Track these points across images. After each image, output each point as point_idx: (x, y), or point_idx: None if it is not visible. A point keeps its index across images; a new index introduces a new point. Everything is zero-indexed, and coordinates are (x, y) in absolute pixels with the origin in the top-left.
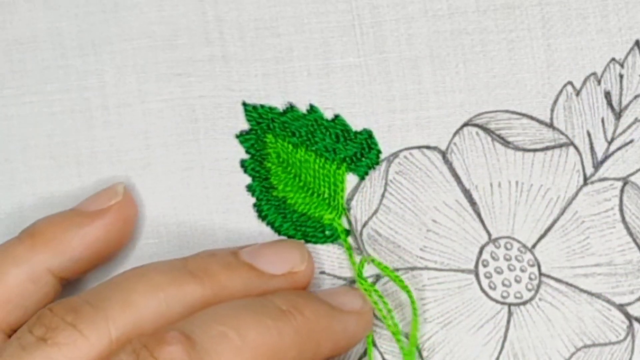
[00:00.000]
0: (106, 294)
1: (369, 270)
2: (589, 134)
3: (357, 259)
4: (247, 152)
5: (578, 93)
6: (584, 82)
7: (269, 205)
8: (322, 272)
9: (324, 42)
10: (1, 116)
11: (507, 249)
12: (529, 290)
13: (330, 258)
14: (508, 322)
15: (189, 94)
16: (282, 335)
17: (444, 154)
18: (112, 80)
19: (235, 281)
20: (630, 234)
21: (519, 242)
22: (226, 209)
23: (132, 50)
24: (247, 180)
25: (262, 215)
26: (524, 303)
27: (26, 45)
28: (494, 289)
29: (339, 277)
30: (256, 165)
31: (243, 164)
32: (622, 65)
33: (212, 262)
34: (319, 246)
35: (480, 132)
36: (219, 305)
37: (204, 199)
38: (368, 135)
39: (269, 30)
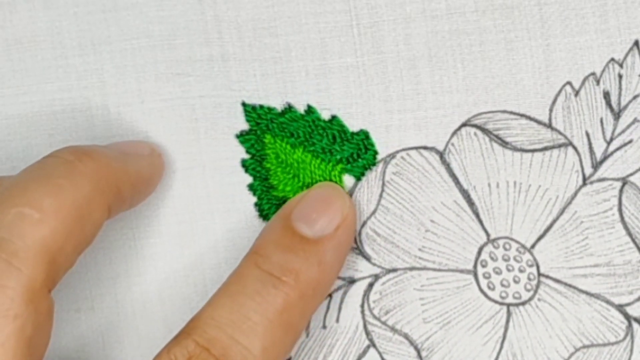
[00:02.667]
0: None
1: (366, 271)
2: (587, 134)
3: (355, 258)
4: (247, 152)
5: (577, 93)
6: (583, 82)
7: (270, 204)
8: None
9: (321, 42)
10: (2, 115)
11: (505, 249)
12: (528, 290)
13: None
14: (507, 322)
15: (189, 93)
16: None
17: (441, 155)
18: (112, 79)
19: (307, 265)
20: (630, 234)
21: (517, 242)
22: (227, 208)
23: (131, 50)
24: (248, 179)
25: (263, 215)
26: (523, 303)
27: (26, 45)
28: (493, 289)
29: (338, 277)
30: (257, 165)
31: (244, 163)
32: (621, 66)
33: (288, 257)
34: None
35: (479, 133)
36: None
37: (205, 198)
38: (365, 135)
39: (267, 31)
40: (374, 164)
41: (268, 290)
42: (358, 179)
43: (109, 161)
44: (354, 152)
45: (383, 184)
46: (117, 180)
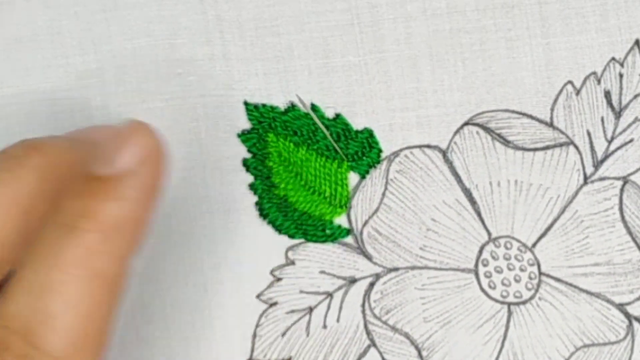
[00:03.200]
0: None
1: (367, 270)
2: (588, 133)
3: (357, 257)
4: (249, 151)
5: (578, 92)
6: (584, 82)
7: (271, 203)
8: (322, 272)
9: (323, 41)
10: (2, 115)
11: (506, 248)
12: (529, 289)
13: (331, 257)
14: (508, 321)
15: (190, 93)
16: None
17: (444, 153)
18: (113, 79)
19: (109, 205)
20: (630, 233)
21: (518, 241)
22: (227, 208)
23: (132, 50)
24: (249, 179)
25: (263, 214)
26: (524, 302)
27: (26, 44)
28: (494, 288)
29: (339, 277)
30: (258, 164)
31: (245, 162)
32: (622, 65)
33: (86, 201)
34: (319, 245)
35: (481, 132)
36: None
37: (205, 197)
38: (369, 134)
39: (269, 30)
40: (378, 162)
41: (66, 242)
42: (363, 177)
43: (61, 152)
44: (359, 150)
45: (386, 182)
46: (68, 171)
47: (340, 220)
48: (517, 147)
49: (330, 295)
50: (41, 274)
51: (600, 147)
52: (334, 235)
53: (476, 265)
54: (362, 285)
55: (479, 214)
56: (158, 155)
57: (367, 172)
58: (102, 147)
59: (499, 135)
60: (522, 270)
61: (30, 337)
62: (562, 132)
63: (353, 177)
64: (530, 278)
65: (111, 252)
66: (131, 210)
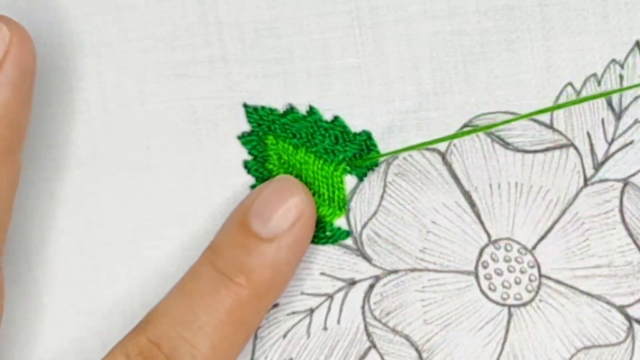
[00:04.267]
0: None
1: (366, 272)
2: (589, 135)
3: (356, 259)
4: (249, 153)
5: (578, 94)
6: (584, 83)
7: None
8: (322, 273)
9: (323, 43)
10: None
11: (507, 250)
12: (529, 291)
13: (331, 259)
14: (508, 323)
15: (190, 95)
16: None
17: (443, 156)
18: (112, 81)
19: (260, 264)
20: (631, 235)
21: (518, 243)
22: (228, 210)
23: (132, 52)
24: (250, 181)
25: None
26: (524, 304)
27: None
28: (494, 290)
29: (339, 279)
30: (259, 167)
31: (246, 165)
32: (622, 66)
33: (241, 256)
34: (319, 247)
35: (480, 134)
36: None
37: (206, 200)
38: (367, 136)
39: (269, 32)
40: (377, 165)
41: (219, 290)
42: (361, 179)
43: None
44: (357, 152)
45: (385, 185)
46: (5, 125)
47: (340, 222)
48: (517, 149)
49: (330, 297)
50: (193, 310)
51: (601, 149)
52: (334, 236)
53: (476, 267)
54: (362, 287)
55: (478, 217)
56: (309, 215)
57: (365, 174)
58: (260, 203)
59: (498, 137)
60: (522, 272)
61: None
62: (562, 134)
63: (351, 180)
64: (530, 280)
65: (256, 307)
66: (281, 272)
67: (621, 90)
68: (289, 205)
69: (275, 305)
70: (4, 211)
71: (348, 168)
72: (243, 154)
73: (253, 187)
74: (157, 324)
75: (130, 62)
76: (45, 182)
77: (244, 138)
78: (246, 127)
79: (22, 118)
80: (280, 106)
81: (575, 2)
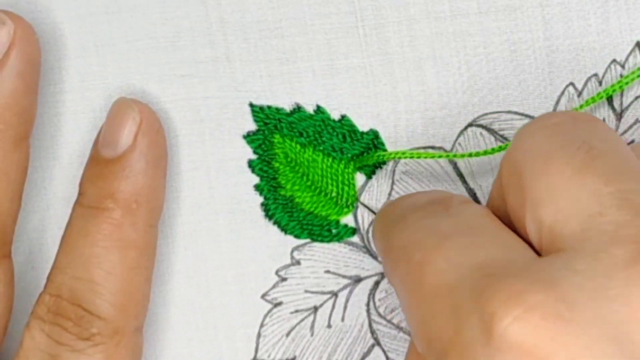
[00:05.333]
0: None
1: (372, 269)
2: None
3: (363, 257)
4: (254, 152)
5: (579, 94)
6: (585, 83)
7: (276, 204)
8: (327, 271)
9: (327, 43)
10: None
11: None
12: None
13: (336, 257)
14: None
15: (193, 95)
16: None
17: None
18: (115, 81)
19: (118, 183)
20: None
21: None
22: (232, 209)
23: (134, 52)
24: (254, 180)
25: (269, 215)
26: None
27: None
28: None
29: (344, 276)
30: (264, 165)
31: (250, 164)
32: (623, 67)
33: (102, 185)
34: (325, 244)
35: (484, 133)
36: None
37: (210, 199)
38: (375, 135)
39: (273, 32)
40: (384, 163)
41: (91, 222)
42: (369, 177)
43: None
44: (365, 151)
45: (393, 183)
46: (13, 113)
47: (346, 220)
48: None
49: (335, 294)
50: (78, 251)
51: None
52: (339, 235)
53: None
54: (367, 285)
55: None
56: (152, 124)
57: (374, 172)
58: (104, 133)
59: (502, 136)
60: None
61: (79, 302)
62: None
63: (360, 178)
64: None
65: (135, 223)
66: (141, 182)
67: (620, 85)
68: (128, 122)
69: (279, 304)
70: (15, 199)
71: (358, 165)
72: (248, 153)
73: (257, 186)
74: (52, 279)
75: (134, 62)
76: (47, 182)
77: (249, 137)
78: (251, 126)
79: (30, 107)
80: (285, 105)
81: (576, 2)
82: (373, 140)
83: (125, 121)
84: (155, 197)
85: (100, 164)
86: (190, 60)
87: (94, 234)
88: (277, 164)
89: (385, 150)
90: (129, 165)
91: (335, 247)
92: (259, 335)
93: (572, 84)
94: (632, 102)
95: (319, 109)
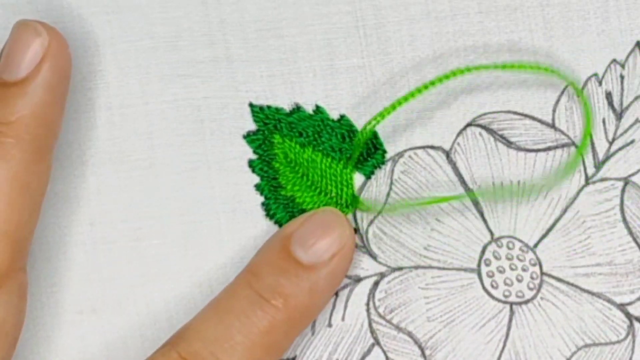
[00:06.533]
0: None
1: (371, 269)
2: (590, 135)
3: (362, 257)
4: (254, 152)
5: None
6: (585, 83)
7: (277, 204)
8: None
9: (327, 43)
10: None
11: (509, 248)
12: (531, 289)
13: None
14: (510, 320)
15: (193, 94)
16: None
17: (447, 154)
18: (115, 81)
19: (298, 290)
20: (631, 233)
21: (520, 241)
22: (233, 208)
23: (135, 51)
24: (255, 179)
25: (270, 214)
26: (526, 302)
27: None
28: (496, 287)
29: (345, 275)
30: (264, 165)
31: (251, 164)
32: (623, 66)
33: (280, 279)
34: None
35: (483, 133)
36: (205, 319)
37: (210, 199)
38: (373, 135)
39: (272, 32)
40: (383, 163)
41: (255, 311)
42: (368, 177)
43: (24, 112)
44: (364, 151)
45: (391, 183)
46: (39, 125)
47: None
48: (519, 148)
49: (335, 294)
50: (227, 330)
51: (602, 148)
52: None
53: (479, 265)
54: (366, 284)
55: (481, 214)
56: (350, 250)
57: (372, 172)
58: (304, 230)
59: (501, 136)
60: (524, 270)
61: None
62: (564, 133)
63: (358, 178)
64: (532, 278)
65: (289, 332)
66: (317, 301)
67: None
68: (332, 237)
69: None
70: (34, 212)
71: (356, 166)
72: (248, 153)
73: (257, 186)
74: (190, 341)
75: (134, 62)
76: (49, 182)
77: (249, 137)
78: (251, 126)
79: (56, 120)
80: (285, 106)
81: (576, 2)
82: (372, 140)
83: (330, 234)
84: (316, 316)
85: (288, 259)
86: (190, 60)
87: (251, 324)
88: (277, 164)
89: (384, 150)
90: (317, 280)
91: None
92: None
93: (572, 83)
94: (632, 102)
95: (318, 109)
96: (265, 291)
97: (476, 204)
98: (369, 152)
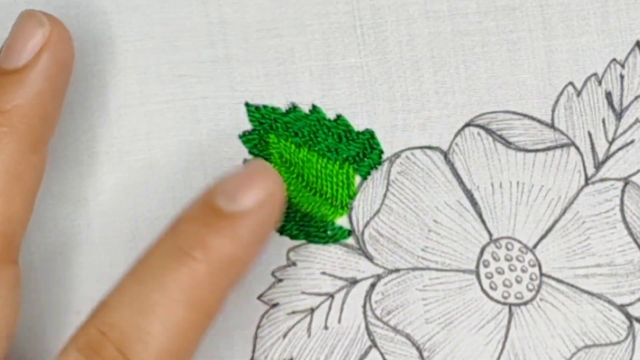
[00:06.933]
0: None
1: (368, 271)
2: (590, 135)
3: (358, 258)
4: (250, 152)
5: (579, 93)
6: (585, 83)
7: None
8: (323, 273)
9: (325, 43)
10: None
11: (508, 249)
12: (530, 290)
13: (332, 258)
14: (509, 322)
15: (191, 95)
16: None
17: (445, 155)
18: (113, 81)
19: (220, 240)
20: (631, 234)
21: (520, 242)
22: None
23: (133, 51)
24: None
25: None
26: (525, 303)
27: None
28: (495, 289)
29: (340, 278)
30: None
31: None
32: (622, 66)
33: (201, 231)
34: (320, 246)
35: (482, 133)
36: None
37: None
38: (370, 135)
39: (271, 32)
40: (380, 164)
41: (174, 266)
42: (364, 178)
43: (19, 101)
44: (360, 151)
45: (388, 184)
46: (35, 115)
47: (342, 221)
48: (518, 149)
49: (331, 296)
50: (145, 292)
51: (601, 148)
52: (335, 236)
53: (477, 266)
54: (363, 286)
55: (480, 215)
56: (277, 200)
57: (369, 173)
58: (228, 182)
59: (500, 136)
60: (523, 271)
61: (123, 348)
62: (563, 133)
63: (356, 178)
64: (531, 279)
65: (214, 286)
66: (242, 250)
67: None
68: (257, 186)
69: (275, 305)
70: (27, 204)
71: (353, 166)
72: (244, 153)
73: None
74: (107, 312)
75: (132, 62)
76: (45, 182)
77: (244, 137)
78: (247, 126)
79: (54, 112)
80: (282, 105)
81: (575, 2)
82: (369, 140)
83: (254, 183)
84: (243, 269)
85: (210, 210)
86: (190, 60)
87: (170, 281)
88: (272, 164)
89: (380, 150)
90: (240, 228)
91: (331, 248)
92: (255, 336)
93: (571, 83)
94: (631, 102)
95: (314, 109)
96: (185, 244)
97: (474, 204)
98: (365, 153)
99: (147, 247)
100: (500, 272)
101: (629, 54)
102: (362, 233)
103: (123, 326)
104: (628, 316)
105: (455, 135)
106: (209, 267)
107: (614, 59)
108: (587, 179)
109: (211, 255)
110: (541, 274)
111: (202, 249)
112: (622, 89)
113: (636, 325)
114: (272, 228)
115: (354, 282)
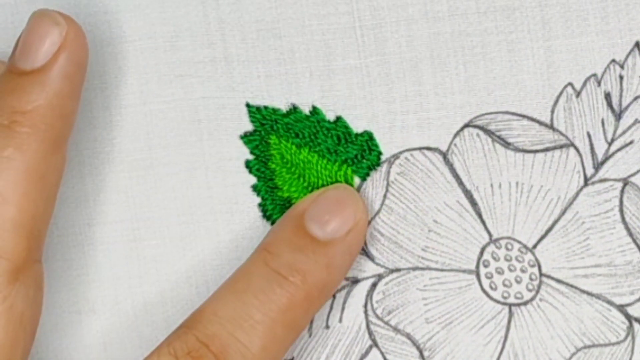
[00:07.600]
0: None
1: (369, 271)
2: (589, 135)
3: (359, 258)
4: (251, 152)
5: (578, 94)
6: (584, 84)
7: (274, 204)
8: None
9: (325, 44)
10: None
11: (507, 249)
12: (530, 290)
13: None
14: (509, 322)
15: (191, 95)
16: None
17: (444, 155)
18: (114, 81)
19: (315, 266)
20: (630, 234)
21: (519, 242)
22: (230, 209)
23: (133, 52)
24: (252, 180)
25: (267, 215)
26: (525, 303)
27: None
28: (495, 289)
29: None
30: (261, 166)
31: (248, 164)
32: (622, 67)
33: (297, 257)
34: None
35: (481, 134)
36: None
37: (208, 199)
38: (369, 137)
39: (271, 32)
40: (379, 165)
41: (273, 289)
42: (363, 179)
43: (40, 101)
44: (359, 153)
45: (387, 184)
46: (55, 115)
47: None
48: (517, 149)
49: (332, 295)
50: (246, 309)
51: (601, 149)
52: None
53: (477, 266)
54: (364, 286)
55: (480, 216)
56: (364, 226)
57: (368, 174)
58: (318, 207)
59: (499, 137)
60: (522, 271)
61: (223, 359)
62: (563, 134)
63: (355, 180)
64: (531, 279)
65: (308, 308)
66: (334, 277)
67: None
68: (347, 212)
69: None
70: (49, 203)
71: (351, 168)
72: (245, 154)
73: (254, 187)
74: (206, 324)
75: (132, 62)
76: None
77: (246, 137)
78: (248, 127)
79: (72, 111)
80: (282, 106)
81: (575, 2)
82: (367, 142)
83: (345, 210)
84: (333, 292)
85: (304, 236)
86: (189, 60)
87: (270, 302)
88: (273, 165)
89: (379, 151)
90: (333, 256)
91: None
92: None
93: (570, 84)
94: (631, 103)
95: (314, 110)
96: (282, 268)
97: (474, 204)
98: (363, 154)
99: (242, 266)
100: (500, 272)
101: (628, 54)
102: None
103: (224, 339)
104: (627, 316)
105: (455, 136)
106: (305, 292)
107: (613, 60)
108: (586, 179)
109: (308, 281)
110: (541, 274)
111: (300, 276)
112: (621, 89)
113: (635, 325)
114: (358, 253)
115: (355, 281)
